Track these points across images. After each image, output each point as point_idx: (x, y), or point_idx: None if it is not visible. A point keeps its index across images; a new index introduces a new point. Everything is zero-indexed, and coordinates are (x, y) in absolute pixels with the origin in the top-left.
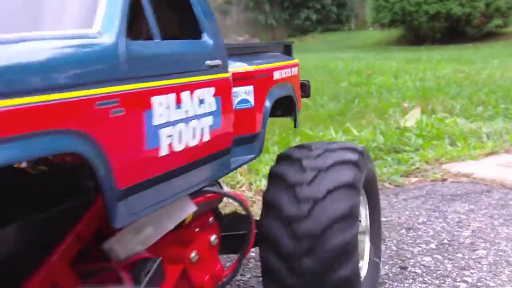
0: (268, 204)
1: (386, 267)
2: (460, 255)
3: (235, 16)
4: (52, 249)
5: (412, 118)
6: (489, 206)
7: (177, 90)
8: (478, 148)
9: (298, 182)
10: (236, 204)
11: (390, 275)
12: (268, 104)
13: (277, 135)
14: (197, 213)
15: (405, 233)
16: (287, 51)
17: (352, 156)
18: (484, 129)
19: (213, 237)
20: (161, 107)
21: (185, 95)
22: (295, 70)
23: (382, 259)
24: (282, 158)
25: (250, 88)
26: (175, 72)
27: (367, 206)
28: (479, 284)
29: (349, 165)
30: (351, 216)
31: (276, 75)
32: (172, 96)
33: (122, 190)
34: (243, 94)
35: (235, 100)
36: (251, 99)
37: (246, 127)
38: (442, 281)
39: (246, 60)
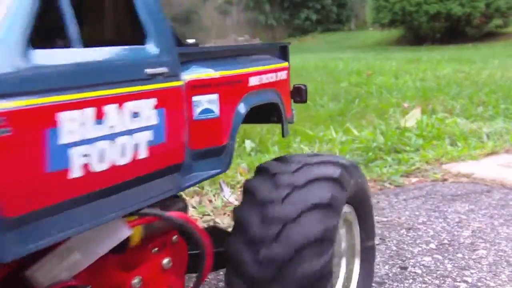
0: (237, 222)
1: (386, 267)
2: (460, 255)
3: (235, 16)
4: None
5: (412, 118)
6: (489, 206)
7: (98, 103)
8: (479, 148)
9: (269, 200)
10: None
11: (390, 275)
12: (240, 113)
13: (278, 135)
14: (150, 233)
15: (405, 233)
16: (283, 52)
17: (333, 172)
18: (484, 129)
19: (165, 260)
20: (73, 124)
21: (110, 108)
22: (282, 74)
23: (382, 259)
24: (258, 171)
25: (214, 96)
26: (96, 84)
27: (357, 224)
28: (479, 284)
29: (328, 182)
30: (325, 240)
31: (253, 80)
32: (89, 111)
33: (13, 219)
34: (206, 103)
35: (196, 110)
36: (215, 108)
37: (210, 140)
38: (442, 281)
39: (215, 65)
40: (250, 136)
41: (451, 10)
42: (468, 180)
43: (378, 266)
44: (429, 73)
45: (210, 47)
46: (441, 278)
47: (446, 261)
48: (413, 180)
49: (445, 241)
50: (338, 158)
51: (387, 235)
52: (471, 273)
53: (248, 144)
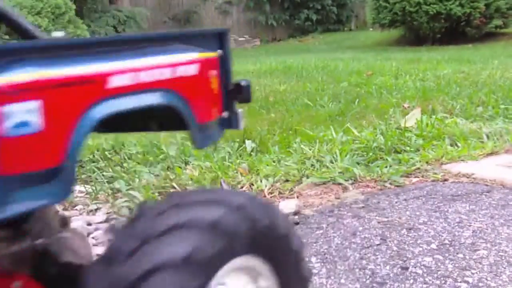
0: (84, 279)
1: (387, 267)
2: (461, 255)
3: (235, 16)
4: None
5: (412, 119)
6: (489, 207)
7: None
8: (478, 148)
9: (115, 255)
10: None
11: (391, 275)
12: (87, 124)
13: (278, 136)
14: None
15: (406, 233)
16: (221, 41)
17: (210, 215)
18: (484, 129)
19: None
20: None
21: None
22: (189, 69)
23: (383, 259)
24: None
25: (34, 104)
26: None
27: (273, 281)
28: (480, 284)
29: (193, 230)
30: None
31: (118, 80)
32: None
33: None
34: (22, 114)
35: (9, 124)
36: (36, 120)
37: (30, 162)
38: (443, 282)
39: (49, 63)
40: (251, 136)
41: (451, 10)
42: (468, 180)
43: (379, 267)
44: (429, 74)
45: (42, 41)
46: (442, 279)
47: (447, 261)
48: (414, 180)
49: (446, 241)
50: (233, 197)
51: (388, 235)
52: (472, 274)
53: (249, 144)
